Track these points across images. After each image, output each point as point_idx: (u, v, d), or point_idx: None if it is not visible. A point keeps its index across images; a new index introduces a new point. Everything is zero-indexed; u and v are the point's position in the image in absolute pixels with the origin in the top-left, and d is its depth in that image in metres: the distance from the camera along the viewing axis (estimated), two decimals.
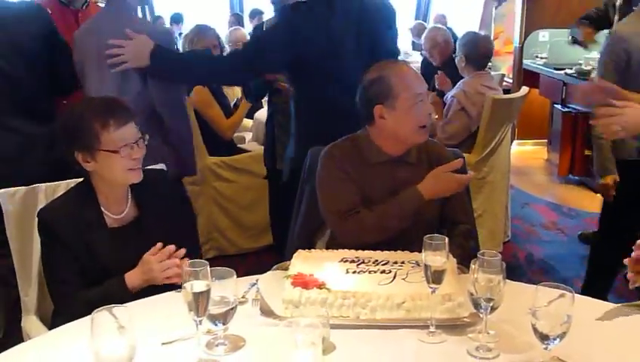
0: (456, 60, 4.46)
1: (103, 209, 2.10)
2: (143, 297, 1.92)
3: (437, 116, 4.35)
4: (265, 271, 2.00)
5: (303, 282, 1.80)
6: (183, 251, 2.03)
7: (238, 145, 4.69)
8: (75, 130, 2.04)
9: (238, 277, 1.61)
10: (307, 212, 2.53)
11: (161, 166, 2.42)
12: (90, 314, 1.40)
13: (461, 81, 4.38)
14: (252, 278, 1.98)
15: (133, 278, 2.02)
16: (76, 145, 2.03)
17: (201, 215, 4.21)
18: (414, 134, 2.23)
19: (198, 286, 1.53)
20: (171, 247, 2.03)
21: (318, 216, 2.38)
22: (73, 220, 2.03)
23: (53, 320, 2.14)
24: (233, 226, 4.46)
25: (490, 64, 5.40)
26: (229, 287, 1.58)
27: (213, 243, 4.37)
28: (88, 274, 2.04)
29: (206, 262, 1.57)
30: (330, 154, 2.31)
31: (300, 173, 2.59)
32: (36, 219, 2.09)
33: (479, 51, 4.32)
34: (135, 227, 2.14)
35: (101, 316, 1.40)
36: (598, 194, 3.54)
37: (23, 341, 1.97)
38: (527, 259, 4.56)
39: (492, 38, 7.36)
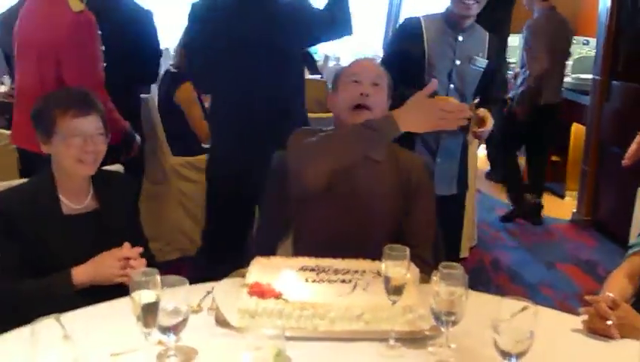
0: None
1: (60, 196, 2.09)
2: (89, 299, 1.84)
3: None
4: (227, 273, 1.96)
5: (259, 291, 1.73)
6: (140, 249, 2.03)
7: (204, 145, 4.61)
8: (39, 111, 2.14)
9: (196, 282, 1.55)
10: (268, 214, 2.46)
11: (118, 167, 2.42)
12: (29, 307, 1.35)
13: None
14: (208, 285, 1.92)
15: (80, 274, 1.98)
16: (38, 126, 2.12)
17: (163, 215, 4.13)
18: (347, 114, 2.17)
19: (147, 296, 1.46)
20: (138, 249, 2.03)
21: (278, 219, 2.32)
22: (27, 206, 2.04)
23: None
24: (197, 227, 4.38)
25: None
26: (180, 296, 1.51)
27: (176, 245, 4.28)
28: (38, 264, 2.00)
29: (156, 270, 1.50)
30: (296, 135, 2.24)
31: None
32: None
33: None
34: (92, 218, 2.13)
35: (44, 324, 1.32)
36: (565, 200, 3.62)
37: None
38: (492, 265, 4.55)
39: None
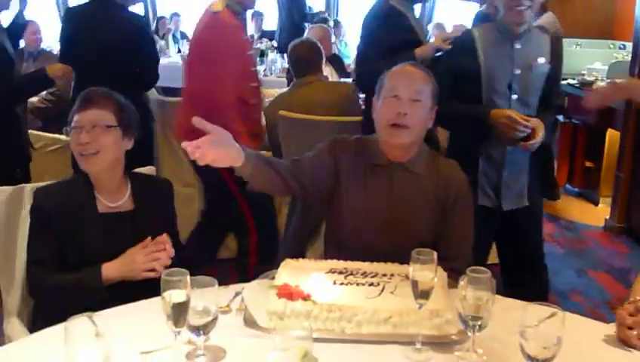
0: None
1: (97, 194, 2.13)
2: (121, 299, 1.88)
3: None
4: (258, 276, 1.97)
5: (288, 293, 1.75)
6: (166, 238, 2.07)
7: None
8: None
9: (227, 283, 1.57)
10: (301, 218, 2.49)
11: (150, 169, 2.46)
12: (61, 300, 1.37)
13: None
14: (238, 286, 1.94)
15: (110, 269, 2.02)
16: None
17: (194, 218, 4.16)
18: (385, 131, 2.16)
19: (178, 296, 1.48)
20: (164, 237, 2.06)
21: (311, 221, 2.33)
22: (65, 202, 2.09)
23: (33, 315, 2.17)
24: None
25: None
26: (210, 297, 1.53)
27: None
28: (72, 260, 2.05)
29: (186, 271, 1.53)
30: (332, 141, 2.25)
31: None
32: (21, 218, 2.15)
33: None
34: (127, 218, 2.16)
35: (77, 322, 1.35)
36: (598, 207, 3.49)
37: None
38: None
39: None
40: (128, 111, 2.21)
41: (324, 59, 4.21)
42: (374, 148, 2.20)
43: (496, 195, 2.86)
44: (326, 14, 8.22)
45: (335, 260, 2.00)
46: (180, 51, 8.13)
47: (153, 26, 8.27)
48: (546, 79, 2.83)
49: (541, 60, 2.81)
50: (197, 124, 1.81)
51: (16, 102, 3.58)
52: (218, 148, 1.82)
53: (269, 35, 8.52)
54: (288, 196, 3.02)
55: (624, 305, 1.74)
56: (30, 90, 3.77)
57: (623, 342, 1.70)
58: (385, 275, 1.89)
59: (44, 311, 2.03)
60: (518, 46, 2.77)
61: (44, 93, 4.74)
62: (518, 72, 2.77)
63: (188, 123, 1.85)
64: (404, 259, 1.84)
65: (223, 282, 1.72)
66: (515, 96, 2.78)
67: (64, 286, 2.01)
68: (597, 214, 5.63)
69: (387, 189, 2.18)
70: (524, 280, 2.96)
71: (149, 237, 2.06)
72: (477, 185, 2.80)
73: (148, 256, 2.02)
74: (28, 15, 5.99)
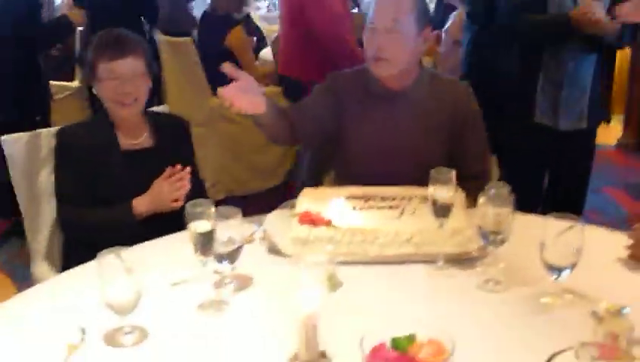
0: None
1: (118, 133, 2.17)
2: (153, 232, 1.91)
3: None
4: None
5: (310, 220, 1.78)
6: (188, 168, 2.12)
7: None
8: (81, 56, 2.32)
9: (246, 217, 1.59)
10: (314, 150, 2.49)
11: (164, 107, 2.50)
12: (95, 235, 1.37)
13: (453, 13, 4.27)
14: (260, 218, 1.97)
15: (140, 204, 2.09)
16: (84, 70, 2.29)
17: (208, 157, 4.19)
18: (370, 65, 2.13)
19: (203, 226, 1.51)
20: (179, 168, 2.11)
21: (325, 152, 2.34)
22: (88, 141, 2.14)
23: (64, 254, 2.22)
24: (242, 168, 4.44)
25: None
26: (234, 227, 1.56)
27: (221, 186, 4.35)
28: (99, 195, 2.10)
29: (211, 201, 1.55)
30: (331, 79, 2.24)
31: None
32: (41, 160, 2.20)
33: None
34: (149, 154, 2.20)
35: (108, 258, 1.39)
36: (611, 125, 3.45)
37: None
38: None
39: None
40: (150, 53, 2.24)
41: None
42: (373, 79, 2.17)
43: (554, 114, 2.85)
44: None
45: (354, 186, 2.01)
46: None
47: None
48: None
49: None
50: (227, 70, 1.85)
51: (42, 49, 3.60)
52: (245, 95, 1.84)
53: None
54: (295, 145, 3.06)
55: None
56: (55, 36, 3.80)
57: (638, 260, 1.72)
58: (404, 198, 1.91)
59: (77, 249, 2.07)
60: None
61: None
62: None
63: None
64: (418, 184, 1.88)
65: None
66: None
67: (98, 223, 2.07)
68: (610, 132, 5.60)
69: (390, 118, 2.17)
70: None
71: (170, 167, 2.11)
72: (535, 103, 2.83)
73: (172, 185, 2.08)
74: None
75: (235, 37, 4.21)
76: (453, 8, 4.45)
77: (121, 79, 2.11)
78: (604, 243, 1.80)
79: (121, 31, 2.22)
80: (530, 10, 2.78)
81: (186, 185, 2.09)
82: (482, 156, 2.24)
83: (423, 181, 1.74)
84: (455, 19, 4.25)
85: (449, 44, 4.21)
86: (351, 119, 2.19)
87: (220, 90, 1.81)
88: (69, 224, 2.14)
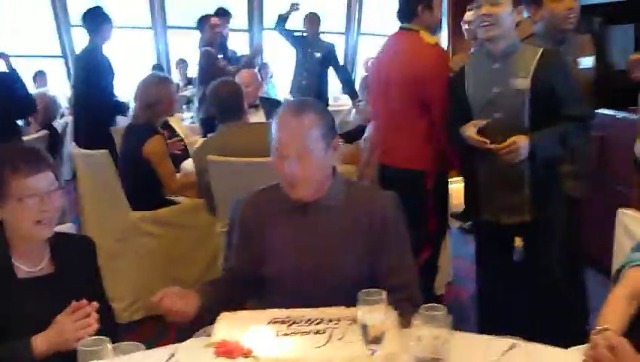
0: None
1: (14, 261, 1.97)
2: None
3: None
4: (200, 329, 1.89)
5: (227, 350, 1.60)
6: (95, 304, 1.89)
7: (168, 197, 4.46)
8: None
9: (166, 340, 1.41)
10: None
11: (69, 226, 2.32)
12: None
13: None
14: (172, 347, 1.77)
15: (41, 342, 1.84)
16: None
17: (125, 274, 3.95)
18: (286, 189, 2.04)
19: None
20: (84, 302, 1.87)
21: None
22: None
23: None
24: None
25: None
26: None
27: (140, 304, 4.08)
28: None
29: (106, 338, 1.36)
30: (243, 206, 2.19)
31: None
32: None
33: None
34: (48, 282, 2.00)
35: None
36: None
37: None
38: (471, 300, 4.43)
39: None
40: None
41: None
42: (284, 193, 2.06)
43: (494, 210, 3.01)
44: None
45: (276, 309, 1.84)
46: None
47: None
48: (537, 96, 2.84)
49: (521, 77, 2.84)
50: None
51: None
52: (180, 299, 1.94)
53: (194, 83, 8.34)
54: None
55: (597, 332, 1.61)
56: None
57: None
58: (331, 321, 1.75)
59: None
60: (496, 65, 2.89)
61: None
62: (495, 90, 2.88)
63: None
64: (342, 300, 1.76)
65: (161, 341, 1.56)
66: (496, 115, 2.88)
67: None
68: None
69: (306, 230, 2.05)
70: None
71: (74, 302, 1.88)
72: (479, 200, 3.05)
73: (76, 323, 1.84)
74: None
75: (152, 145, 4.06)
76: None
77: (41, 196, 1.92)
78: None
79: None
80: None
81: (93, 325, 1.84)
82: (406, 266, 2.09)
83: (349, 298, 1.61)
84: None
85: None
86: (269, 236, 2.08)
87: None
88: None
